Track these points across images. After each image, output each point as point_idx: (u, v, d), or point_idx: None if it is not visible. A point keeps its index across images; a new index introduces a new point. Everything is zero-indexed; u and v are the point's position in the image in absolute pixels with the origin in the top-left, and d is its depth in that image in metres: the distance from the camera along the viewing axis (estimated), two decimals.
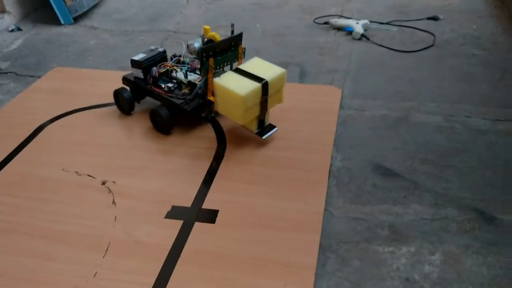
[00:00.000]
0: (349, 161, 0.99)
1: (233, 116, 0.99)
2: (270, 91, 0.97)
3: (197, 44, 1.09)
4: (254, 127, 1.01)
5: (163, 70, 1.10)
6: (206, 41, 1.06)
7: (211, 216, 0.85)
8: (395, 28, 1.60)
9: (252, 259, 0.77)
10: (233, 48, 1.04)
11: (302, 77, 1.33)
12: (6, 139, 1.08)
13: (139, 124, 1.12)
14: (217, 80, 0.97)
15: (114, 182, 0.95)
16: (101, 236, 0.83)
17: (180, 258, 0.78)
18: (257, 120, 1.01)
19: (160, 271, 0.76)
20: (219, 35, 1.06)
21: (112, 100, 1.19)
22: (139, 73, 1.11)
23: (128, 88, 1.14)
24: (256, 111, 0.98)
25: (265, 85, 0.95)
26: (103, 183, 0.94)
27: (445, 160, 0.98)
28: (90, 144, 1.06)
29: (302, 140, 1.04)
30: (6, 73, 1.41)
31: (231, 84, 0.96)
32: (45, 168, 1.00)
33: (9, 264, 0.79)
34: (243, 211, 0.87)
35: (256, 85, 0.95)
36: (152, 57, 1.11)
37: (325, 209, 0.87)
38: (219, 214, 0.86)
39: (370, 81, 1.29)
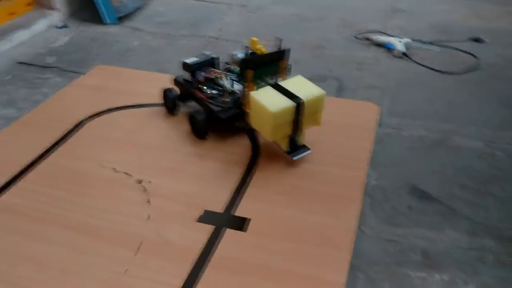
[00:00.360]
0: (384, 180, 0.98)
1: (263, 131, 0.99)
2: (305, 111, 0.95)
3: (241, 55, 1.09)
4: (285, 146, 1.00)
5: (213, 76, 1.11)
6: (251, 53, 1.06)
7: (242, 224, 0.85)
8: (437, 48, 1.58)
9: (281, 270, 0.77)
10: (277, 63, 1.03)
11: (340, 91, 1.32)
12: (48, 132, 1.11)
13: (178, 126, 1.14)
14: (252, 93, 0.97)
15: (150, 181, 0.96)
16: (134, 233, 0.84)
17: (209, 263, 0.78)
18: (288, 139, 0.99)
19: (189, 274, 0.76)
20: (265, 49, 1.06)
21: (152, 100, 1.21)
22: (187, 76, 1.13)
23: (176, 88, 1.17)
24: (287, 130, 0.97)
25: (299, 104, 0.94)
26: (139, 182, 0.96)
27: (485, 187, 0.95)
28: (128, 142, 1.08)
29: (338, 155, 1.03)
30: (52, 67, 1.45)
31: (264, 99, 0.95)
32: (84, 162, 1.02)
33: (43, 253, 0.81)
34: (274, 222, 0.87)
35: (289, 103, 0.93)
36: (202, 62, 1.13)
37: (357, 228, 0.86)
38: (250, 222, 0.86)
39: (409, 100, 1.27)
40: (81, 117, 1.17)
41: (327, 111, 1.14)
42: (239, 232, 0.84)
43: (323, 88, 1.30)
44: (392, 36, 1.62)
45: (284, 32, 1.70)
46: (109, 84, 1.33)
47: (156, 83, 1.33)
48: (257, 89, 1.00)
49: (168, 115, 1.18)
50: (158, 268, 0.78)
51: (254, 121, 1.00)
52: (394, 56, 1.52)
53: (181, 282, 0.75)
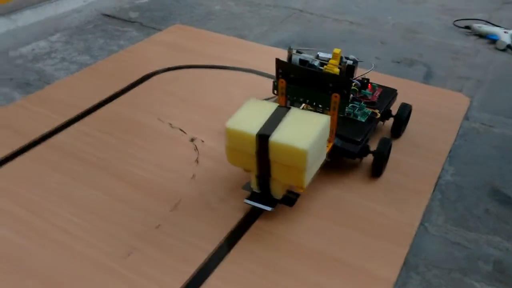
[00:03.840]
0: (462, 177, 0.85)
1: None
2: (273, 155, 0.67)
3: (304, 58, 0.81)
4: (253, 183, 0.74)
5: None
6: (301, 60, 0.81)
7: (290, 199, 0.77)
8: None
9: (323, 254, 0.69)
10: (330, 92, 0.74)
11: (427, 78, 1.19)
12: (115, 80, 1.10)
13: (253, 95, 1.08)
14: (253, 99, 0.74)
15: (202, 141, 0.91)
16: (175, 190, 0.80)
17: (246, 233, 0.72)
18: (256, 179, 0.73)
19: (223, 240, 0.71)
20: (336, 69, 0.76)
21: (226, 63, 1.17)
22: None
23: None
24: (247, 163, 0.71)
25: (262, 138, 0.66)
26: (192, 140, 0.92)
27: None
28: (190, 101, 1.04)
29: (414, 144, 0.92)
30: (133, 22, 1.45)
31: (243, 109, 0.72)
32: (142, 114, 0.99)
33: (83, 196, 0.79)
34: (327, 202, 0.78)
35: (250, 130, 0.67)
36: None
37: (421, 224, 0.75)
38: (300, 199, 0.78)
39: (506, 97, 1.11)
40: (151, 70, 1.15)
41: (410, 96, 1.03)
42: (285, 206, 0.76)
43: (408, 73, 1.19)
44: (497, 26, 1.44)
45: (375, 11, 1.58)
46: (184, 43, 1.30)
47: (230, 47, 1.29)
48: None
49: (242, 81, 1.12)
50: (191, 229, 0.73)
51: None
52: (497, 48, 1.34)
53: (212, 247, 0.69)
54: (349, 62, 0.83)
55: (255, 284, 0.64)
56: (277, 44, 1.33)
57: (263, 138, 0.66)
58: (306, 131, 0.66)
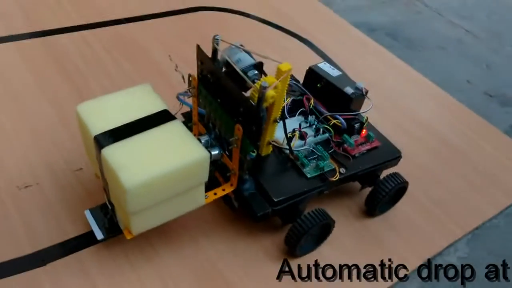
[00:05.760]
0: (469, 266, 0.63)
1: None
2: (106, 174, 0.48)
3: (236, 56, 0.56)
4: (104, 195, 0.54)
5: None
6: (226, 63, 0.55)
7: (232, 201, 0.60)
8: None
9: (224, 279, 0.54)
10: (239, 119, 0.51)
11: None
12: (160, 0, 1.00)
13: None
14: (145, 86, 0.55)
15: None
16: None
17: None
18: (104, 190, 0.53)
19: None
20: (272, 92, 0.47)
21: (284, 24, 1.01)
22: None
23: None
24: (95, 166, 0.52)
25: (98, 145, 0.47)
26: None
27: None
28: None
29: (440, 202, 0.69)
30: None
31: (120, 97, 0.53)
32: (157, 45, 0.89)
33: (33, 105, 0.71)
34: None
35: (95, 127, 0.49)
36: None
37: None
38: None
39: None
40: (203, 5, 1.03)
41: (473, 142, 0.80)
42: (228, 209, 0.62)
43: (495, 113, 0.94)
44: None
45: (507, 27, 1.27)
46: None
47: (307, 12, 1.12)
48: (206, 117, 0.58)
49: (291, 50, 0.96)
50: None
51: None
52: None
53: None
54: (348, 90, 0.59)
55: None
56: (359, 25, 1.12)
57: (98, 144, 0.47)
58: (156, 161, 0.46)
